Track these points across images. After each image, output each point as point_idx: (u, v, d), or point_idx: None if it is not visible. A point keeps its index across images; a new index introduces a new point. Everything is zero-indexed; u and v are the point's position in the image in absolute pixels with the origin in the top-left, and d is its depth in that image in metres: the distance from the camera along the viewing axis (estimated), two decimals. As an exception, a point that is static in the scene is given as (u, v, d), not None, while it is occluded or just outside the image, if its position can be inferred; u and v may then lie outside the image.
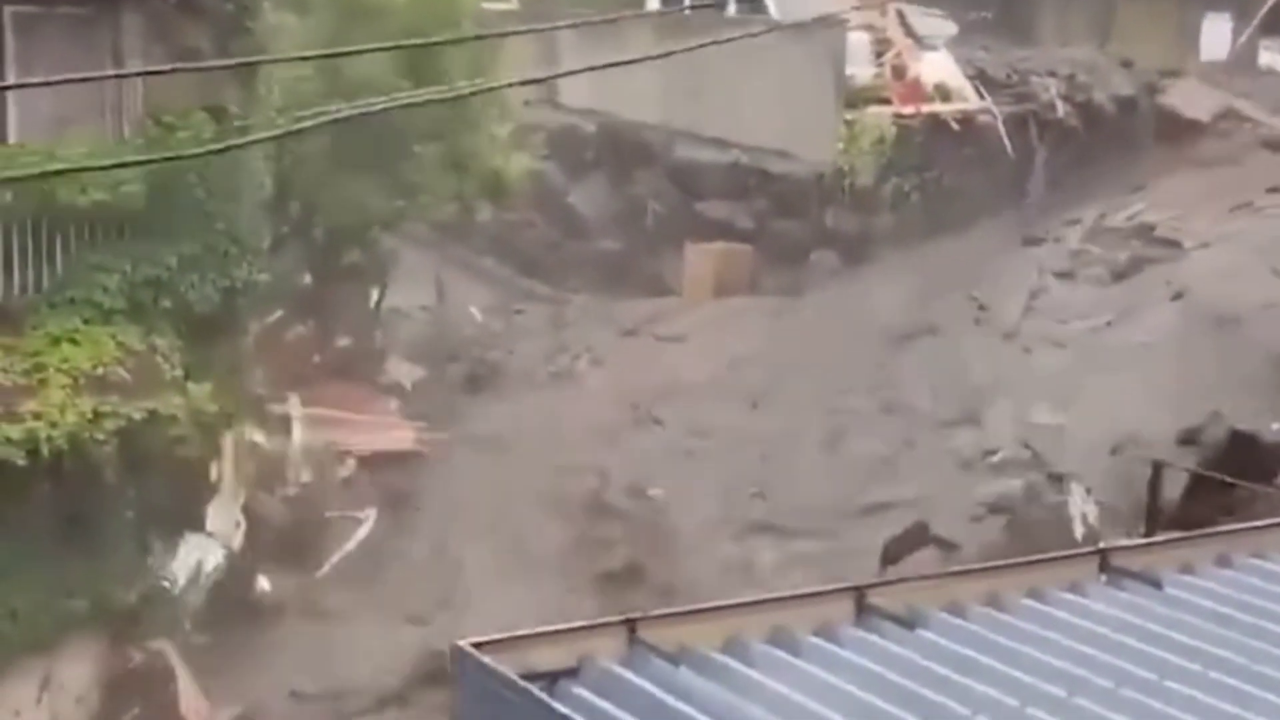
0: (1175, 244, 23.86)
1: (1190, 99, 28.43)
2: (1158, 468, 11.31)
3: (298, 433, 19.85)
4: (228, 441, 17.67)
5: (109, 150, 15.30)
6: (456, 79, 20.89)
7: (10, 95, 14.97)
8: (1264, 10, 30.50)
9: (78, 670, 15.52)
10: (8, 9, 15.29)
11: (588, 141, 28.76)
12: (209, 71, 15.53)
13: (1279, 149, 27.33)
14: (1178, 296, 21.45)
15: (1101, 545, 7.05)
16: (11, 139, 15.27)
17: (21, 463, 14.01)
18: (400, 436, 21.04)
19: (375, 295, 23.62)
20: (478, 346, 24.26)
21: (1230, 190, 25.46)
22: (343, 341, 22.55)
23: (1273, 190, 25.00)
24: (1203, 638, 5.98)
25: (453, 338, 24.86)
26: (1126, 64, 29.54)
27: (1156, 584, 6.52)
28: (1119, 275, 23.53)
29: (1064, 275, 23.99)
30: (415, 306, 25.86)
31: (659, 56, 10.36)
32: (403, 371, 22.87)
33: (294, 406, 20.39)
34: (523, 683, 5.37)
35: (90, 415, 14.51)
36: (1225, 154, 27.40)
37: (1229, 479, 12.56)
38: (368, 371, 22.49)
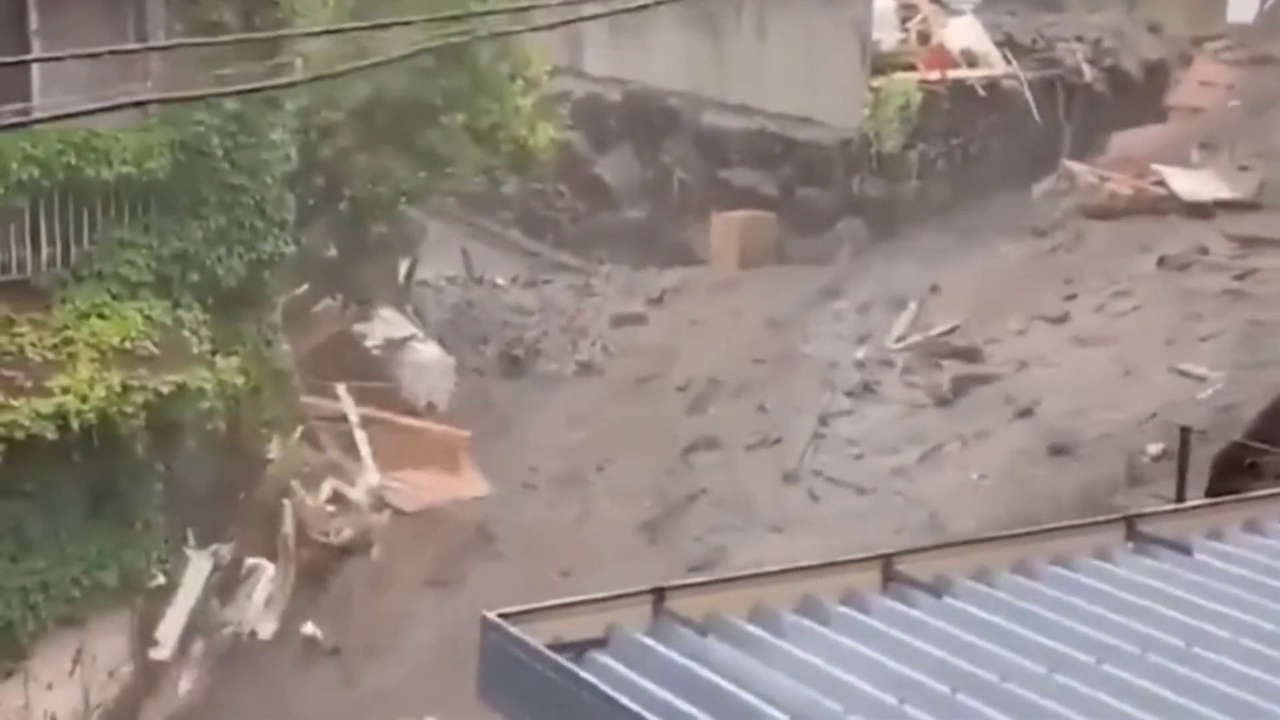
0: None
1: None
2: (1185, 433, 11.24)
3: (367, 456, 19.01)
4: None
5: (135, 126, 15.35)
6: (484, 51, 20.88)
7: (35, 74, 15.00)
8: (1293, -29, 30.18)
9: (109, 644, 15.65)
10: (32, -17, 15.33)
11: (613, 110, 28.70)
12: (233, 45, 15.52)
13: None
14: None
15: (1130, 512, 7.01)
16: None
17: (52, 437, 14.10)
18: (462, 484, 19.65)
19: (404, 268, 23.63)
20: (511, 328, 24.06)
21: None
22: (372, 315, 22.39)
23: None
24: (1232, 604, 5.95)
25: (482, 316, 24.72)
26: (1154, 29, 29.31)
27: (1185, 550, 6.49)
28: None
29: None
30: (441, 278, 25.89)
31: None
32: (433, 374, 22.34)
33: (349, 407, 19.81)
34: (550, 653, 5.38)
35: (119, 389, 14.59)
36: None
37: (1262, 445, 12.47)
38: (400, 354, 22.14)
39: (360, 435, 19.42)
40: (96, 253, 15.40)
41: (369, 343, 21.52)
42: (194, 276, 15.98)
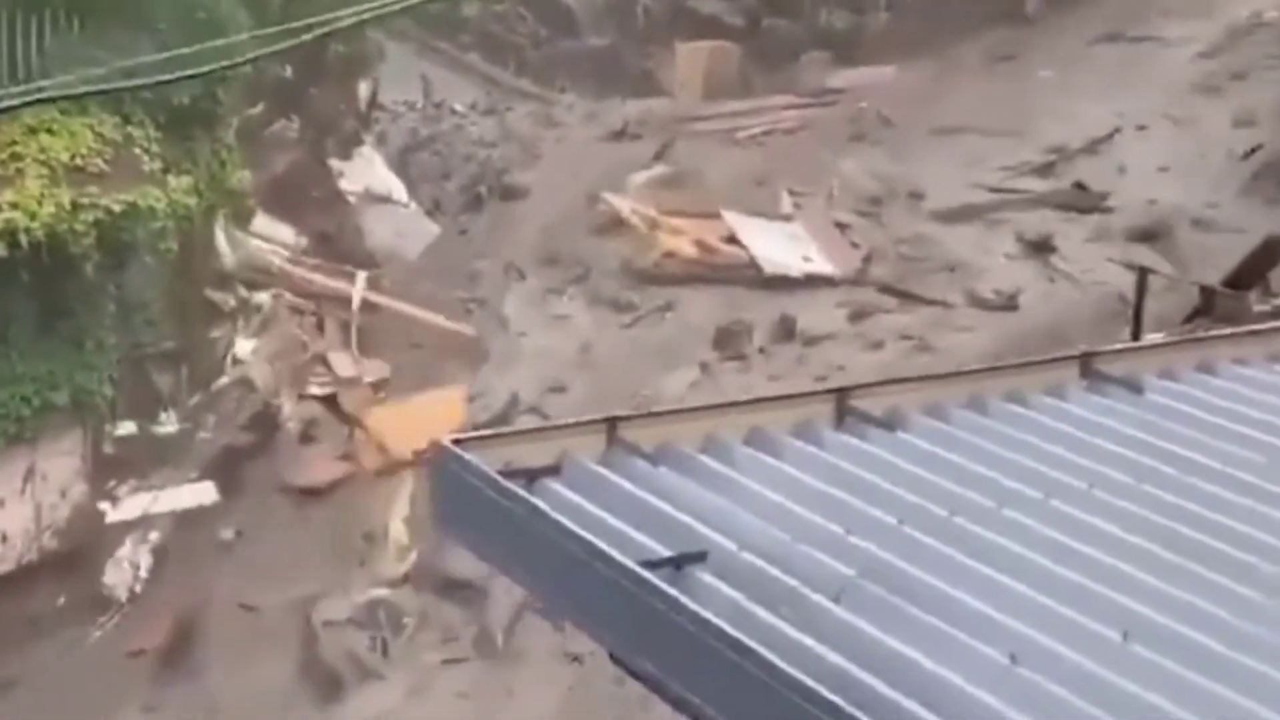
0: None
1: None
2: (1143, 272, 11.27)
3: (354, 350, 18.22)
4: None
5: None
6: None
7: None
8: None
9: (61, 464, 15.64)
10: None
11: (577, -67, 28.10)
12: None
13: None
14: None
15: (1084, 349, 7.02)
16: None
17: (0, 254, 13.93)
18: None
19: (364, 92, 23.21)
20: (474, 163, 23.59)
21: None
22: (330, 144, 21.74)
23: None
24: (1182, 442, 5.99)
25: (444, 148, 24.23)
26: None
27: (1138, 389, 6.51)
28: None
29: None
30: (400, 103, 25.49)
31: None
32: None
33: (357, 292, 18.54)
34: (502, 479, 5.37)
35: (68, 207, 14.43)
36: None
37: (1209, 285, 12.51)
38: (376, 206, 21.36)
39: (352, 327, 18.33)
40: (47, 67, 15.08)
41: (345, 185, 21.03)
42: (145, 92, 15.69)
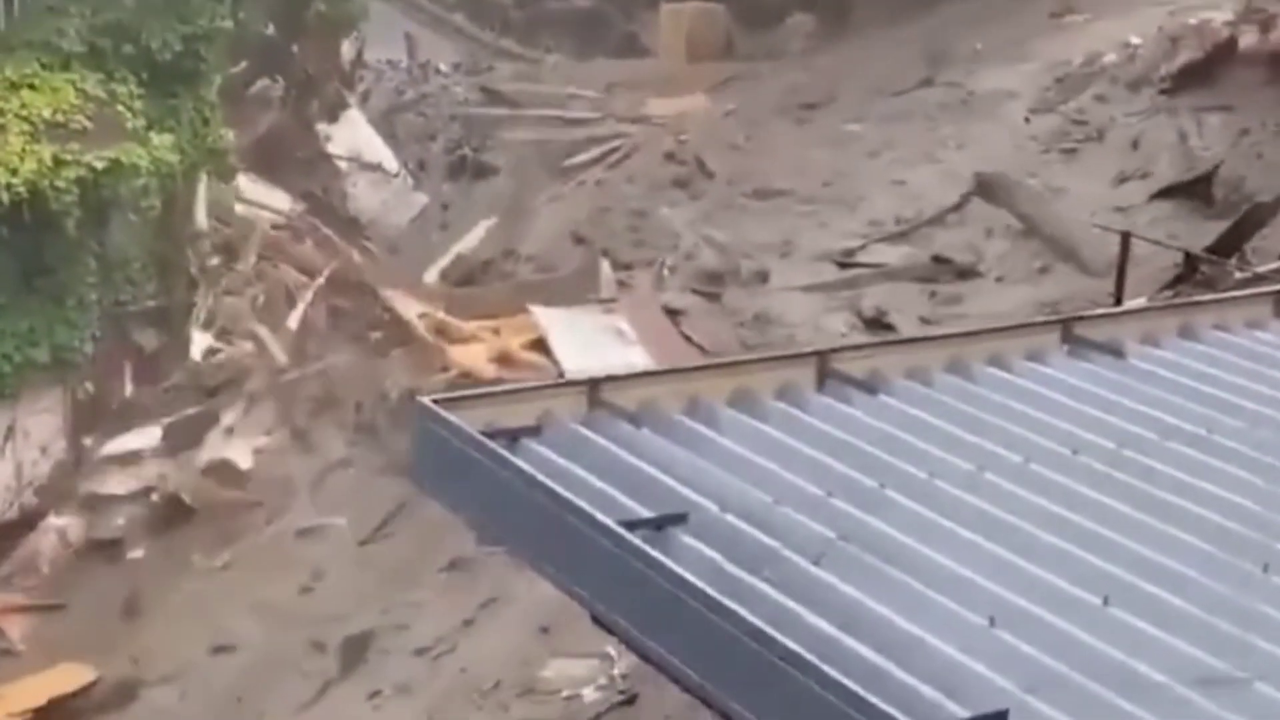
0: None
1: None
2: (1126, 238, 11.29)
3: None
4: None
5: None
6: None
7: None
8: None
9: (42, 421, 15.59)
10: None
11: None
12: None
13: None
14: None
15: (1065, 315, 7.03)
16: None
17: (-19, 211, 13.86)
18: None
19: (348, 51, 23.04)
20: (458, 122, 23.37)
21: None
22: (315, 106, 21.55)
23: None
24: (1162, 407, 6.00)
25: (429, 110, 24.01)
26: None
27: (1119, 354, 6.52)
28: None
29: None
30: (384, 61, 25.36)
31: None
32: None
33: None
34: (484, 439, 5.36)
35: (50, 163, 14.33)
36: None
37: (1193, 252, 12.58)
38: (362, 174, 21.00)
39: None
40: (27, 21, 14.99)
41: (331, 149, 20.87)
42: (128, 49, 15.62)
